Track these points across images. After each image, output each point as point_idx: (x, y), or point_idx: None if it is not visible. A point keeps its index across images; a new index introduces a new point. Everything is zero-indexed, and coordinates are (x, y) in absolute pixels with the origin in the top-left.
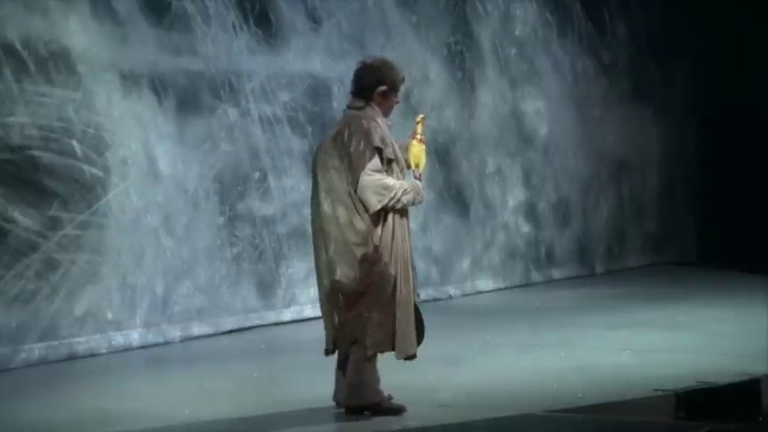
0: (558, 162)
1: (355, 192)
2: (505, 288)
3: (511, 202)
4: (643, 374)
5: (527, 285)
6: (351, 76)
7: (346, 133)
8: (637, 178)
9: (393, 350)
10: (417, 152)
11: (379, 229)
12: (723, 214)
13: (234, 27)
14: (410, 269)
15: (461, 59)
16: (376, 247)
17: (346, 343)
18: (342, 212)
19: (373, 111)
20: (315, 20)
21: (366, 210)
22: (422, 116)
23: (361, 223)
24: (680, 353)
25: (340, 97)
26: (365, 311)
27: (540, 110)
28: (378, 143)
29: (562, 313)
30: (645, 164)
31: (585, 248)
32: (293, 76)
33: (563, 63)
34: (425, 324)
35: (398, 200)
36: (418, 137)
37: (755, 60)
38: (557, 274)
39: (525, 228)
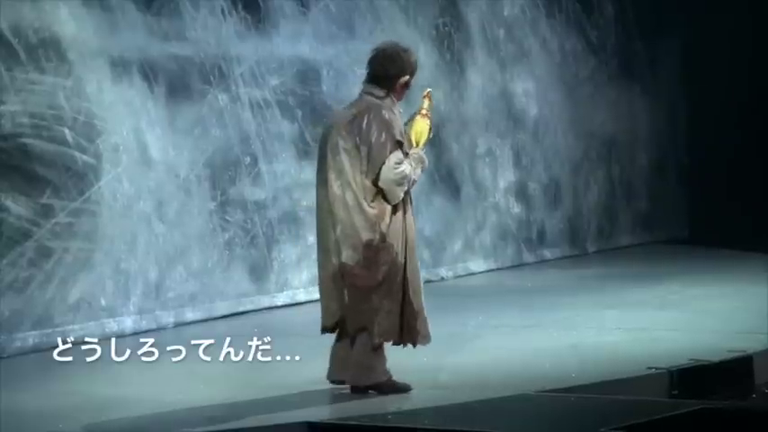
0: (548, 142)
1: (374, 183)
2: (497, 269)
3: (502, 183)
4: (636, 353)
5: (519, 266)
6: (340, 59)
7: (365, 121)
8: (627, 157)
9: (398, 339)
10: (420, 129)
11: (387, 218)
12: (714, 192)
13: (223, 12)
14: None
15: (450, 41)
16: (383, 235)
17: (353, 328)
18: (350, 196)
19: (392, 102)
20: (303, 4)
21: (384, 198)
22: (428, 90)
23: (369, 209)
24: (672, 331)
25: (329, 81)
26: (377, 300)
27: (529, 90)
28: (399, 137)
29: (554, 293)
30: (635, 143)
31: (577, 228)
32: (282, 60)
33: (551, 43)
34: None
35: (414, 179)
36: (423, 111)
37: (743, 38)
38: (548, 254)
39: (516, 208)
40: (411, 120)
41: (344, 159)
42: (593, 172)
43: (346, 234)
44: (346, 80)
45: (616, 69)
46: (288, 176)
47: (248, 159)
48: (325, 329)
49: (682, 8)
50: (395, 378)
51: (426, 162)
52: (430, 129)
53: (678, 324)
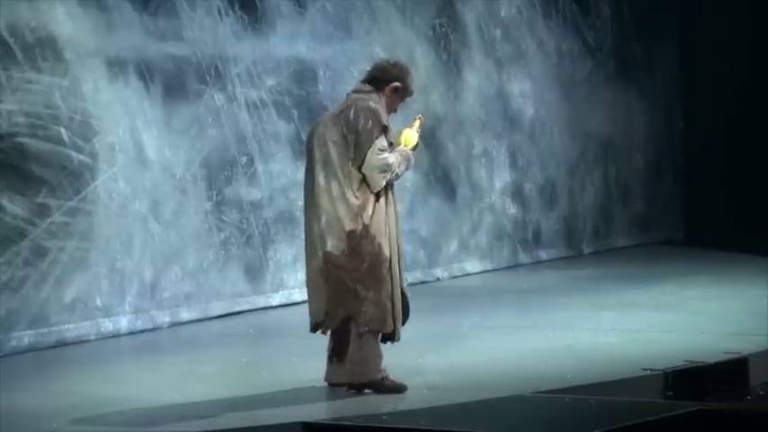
0: (545, 143)
1: (359, 169)
2: (493, 270)
3: (498, 184)
4: (631, 354)
5: (514, 267)
6: (336, 59)
7: (352, 112)
8: (623, 159)
9: (387, 329)
10: (409, 136)
11: (370, 209)
12: (710, 194)
13: (219, 12)
14: (400, 252)
15: (447, 41)
16: (366, 226)
17: (336, 319)
18: (335, 186)
19: (378, 98)
20: (300, 4)
21: (368, 187)
22: (421, 116)
23: (353, 198)
24: (668, 332)
25: (326, 81)
26: (362, 290)
27: (525, 91)
28: (385, 122)
29: (550, 294)
30: (631, 144)
31: (572, 229)
32: (279, 60)
33: (548, 44)
34: (410, 308)
35: (396, 173)
36: (414, 128)
37: (740, 40)
38: (544, 255)
39: (512, 209)
40: (401, 131)
41: (331, 150)
42: (589, 173)
43: (330, 225)
44: (343, 80)
45: (613, 71)
46: (284, 176)
47: (244, 159)
48: (315, 327)
49: (678, 9)
50: (391, 377)
51: (412, 161)
52: (417, 143)
53: (674, 325)
